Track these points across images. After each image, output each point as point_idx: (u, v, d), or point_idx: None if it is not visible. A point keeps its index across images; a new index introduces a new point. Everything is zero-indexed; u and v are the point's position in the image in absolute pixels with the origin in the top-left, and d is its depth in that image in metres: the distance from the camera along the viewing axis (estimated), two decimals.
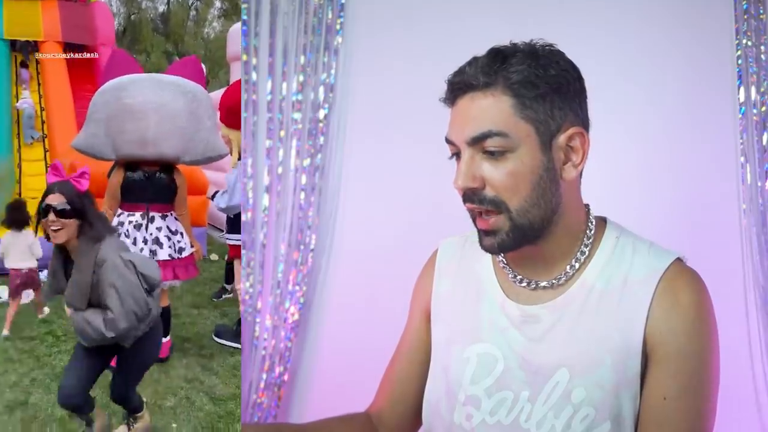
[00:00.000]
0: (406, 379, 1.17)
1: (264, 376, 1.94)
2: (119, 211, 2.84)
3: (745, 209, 1.79)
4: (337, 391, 1.76)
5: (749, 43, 1.77)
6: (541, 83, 0.89)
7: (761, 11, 1.77)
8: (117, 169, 2.87)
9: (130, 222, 2.80)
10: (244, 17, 1.91)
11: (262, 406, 1.96)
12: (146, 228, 2.77)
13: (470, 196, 0.93)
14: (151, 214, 2.79)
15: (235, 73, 5.91)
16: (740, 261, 1.80)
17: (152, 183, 2.81)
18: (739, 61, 1.79)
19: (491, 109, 0.89)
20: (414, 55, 1.88)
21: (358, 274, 1.93)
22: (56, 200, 1.88)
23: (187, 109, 2.79)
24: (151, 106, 2.71)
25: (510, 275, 1.02)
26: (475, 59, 0.92)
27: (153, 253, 2.91)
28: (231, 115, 3.21)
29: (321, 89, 1.91)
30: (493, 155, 0.90)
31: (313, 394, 2.01)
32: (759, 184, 1.77)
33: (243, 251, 1.96)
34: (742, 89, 1.79)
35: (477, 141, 0.90)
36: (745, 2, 1.77)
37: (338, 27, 1.91)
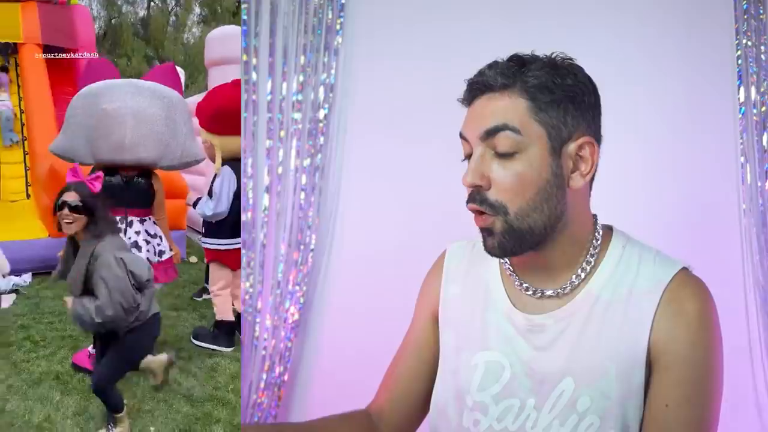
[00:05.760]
0: (409, 379, 1.17)
1: (264, 376, 1.94)
2: None
3: (745, 209, 1.79)
4: (337, 391, 1.75)
5: (749, 43, 1.77)
6: (557, 90, 0.91)
7: (761, 11, 1.77)
8: None
9: None
10: (244, 17, 1.91)
11: (262, 406, 1.95)
12: (125, 232, 2.79)
13: (474, 196, 0.94)
14: (130, 218, 2.81)
15: (214, 79, 5.90)
16: (740, 261, 1.80)
17: (130, 187, 2.85)
18: (739, 61, 1.79)
19: (507, 107, 0.91)
20: (414, 55, 1.88)
21: (358, 274, 1.93)
22: (71, 197, 2.16)
23: (164, 114, 2.83)
24: (128, 111, 2.73)
25: (516, 283, 1.02)
26: (495, 62, 0.95)
27: None
28: (214, 121, 3.26)
29: (321, 89, 1.91)
30: (503, 156, 0.91)
31: (313, 394, 2.01)
32: (759, 184, 1.77)
33: (243, 251, 1.95)
34: (742, 89, 1.79)
35: (490, 134, 0.92)
36: (745, 2, 1.77)
37: (338, 27, 1.91)
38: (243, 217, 1.95)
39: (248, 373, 1.96)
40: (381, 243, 1.90)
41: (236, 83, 3.33)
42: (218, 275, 3.43)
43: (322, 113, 1.92)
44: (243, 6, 1.92)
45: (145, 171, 2.89)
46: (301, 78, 1.91)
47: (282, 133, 1.92)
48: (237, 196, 3.20)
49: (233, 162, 3.24)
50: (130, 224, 2.79)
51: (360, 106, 1.94)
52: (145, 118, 2.75)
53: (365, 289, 1.89)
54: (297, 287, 1.94)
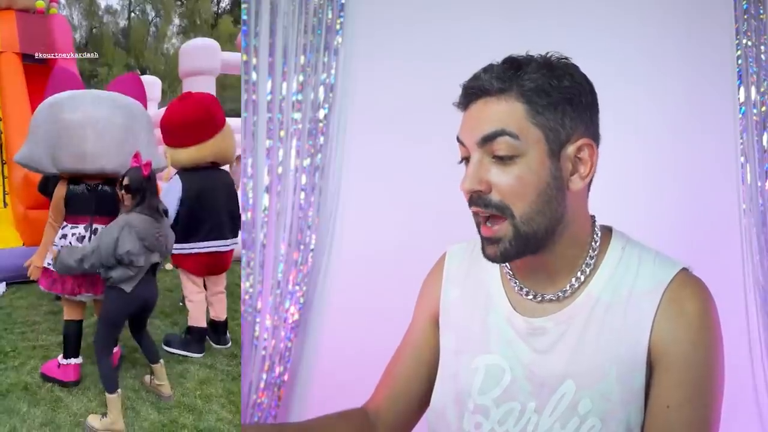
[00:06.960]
0: (407, 379, 1.17)
1: (264, 376, 1.94)
2: (64, 223, 2.88)
3: (745, 209, 1.79)
4: (337, 391, 1.75)
5: (749, 43, 1.78)
6: (554, 92, 0.90)
7: (761, 11, 1.77)
8: (60, 183, 2.93)
9: (73, 234, 2.82)
10: (244, 17, 1.91)
11: (262, 406, 1.96)
12: (89, 240, 2.79)
13: (476, 199, 0.94)
14: (95, 226, 2.82)
15: (188, 89, 6.01)
16: (740, 261, 1.80)
17: (95, 195, 2.87)
18: (739, 61, 1.79)
19: (504, 112, 0.91)
20: (414, 55, 1.88)
21: (358, 274, 1.93)
22: (125, 180, 2.57)
23: (124, 123, 2.88)
24: (89, 121, 2.78)
25: (516, 287, 1.02)
26: (490, 66, 0.94)
27: None
28: (165, 134, 3.43)
29: (321, 89, 1.91)
30: (501, 160, 0.91)
31: (313, 394, 2.01)
32: (759, 184, 1.77)
33: (243, 251, 1.95)
34: (742, 89, 1.79)
35: (488, 140, 0.91)
36: (745, 2, 1.78)
37: (338, 27, 1.91)
38: (243, 217, 1.95)
39: (248, 373, 1.96)
40: (381, 243, 1.90)
41: (183, 97, 3.49)
42: (186, 280, 3.46)
43: (322, 113, 1.92)
44: (243, 6, 1.92)
45: (110, 178, 2.92)
46: (301, 78, 1.91)
47: (282, 133, 1.92)
48: (182, 203, 3.26)
49: (186, 172, 3.35)
50: (95, 232, 2.79)
51: (360, 106, 1.94)
52: (105, 127, 2.80)
53: (365, 289, 1.89)
54: (297, 287, 1.94)
